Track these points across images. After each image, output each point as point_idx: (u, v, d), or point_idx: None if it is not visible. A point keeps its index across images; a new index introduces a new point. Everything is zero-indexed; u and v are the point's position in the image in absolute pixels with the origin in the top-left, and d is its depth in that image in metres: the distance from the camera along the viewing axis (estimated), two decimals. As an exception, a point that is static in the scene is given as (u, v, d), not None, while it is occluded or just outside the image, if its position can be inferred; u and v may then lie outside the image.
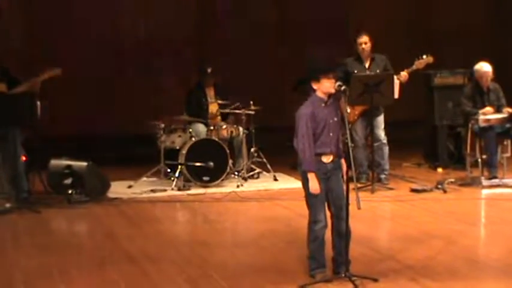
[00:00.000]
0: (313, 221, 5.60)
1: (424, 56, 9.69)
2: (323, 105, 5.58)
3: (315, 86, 5.59)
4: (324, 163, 5.57)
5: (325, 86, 5.56)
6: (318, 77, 5.56)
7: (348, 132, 5.45)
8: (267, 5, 13.60)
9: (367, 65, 9.75)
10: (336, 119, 5.58)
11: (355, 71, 9.53)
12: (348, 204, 5.52)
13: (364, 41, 9.70)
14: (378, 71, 9.65)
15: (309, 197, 5.60)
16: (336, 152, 5.60)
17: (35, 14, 12.57)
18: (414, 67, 9.66)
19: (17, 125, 8.75)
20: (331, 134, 5.56)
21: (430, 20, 14.16)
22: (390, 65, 9.77)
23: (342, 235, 5.60)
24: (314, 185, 5.53)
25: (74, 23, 12.62)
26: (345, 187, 5.56)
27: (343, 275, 5.52)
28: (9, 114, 8.49)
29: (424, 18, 14.16)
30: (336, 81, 5.59)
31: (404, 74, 9.53)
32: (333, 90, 5.55)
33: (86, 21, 12.67)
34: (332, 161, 5.59)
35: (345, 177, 5.65)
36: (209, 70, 10.50)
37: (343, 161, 5.68)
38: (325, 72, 5.56)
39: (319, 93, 5.60)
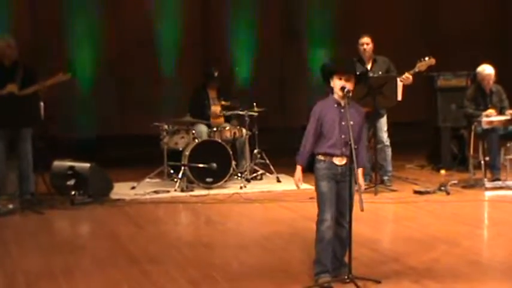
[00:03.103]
0: (320, 220, 5.57)
1: (426, 58, 9.69)
2: (335, 105, 5.56)
3: (331, 84, 5.58)
4: (336, 165, 5.54)
5: (335, 86, 5.54)
6: (332, 76, 5.55)
7: (350, 133, 5.41)
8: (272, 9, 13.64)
9: (369, 67, 9.75)
10: (352, 122, 5.43)
11: (357, 73, 9.50)
12: (351, 206, 5.51)
13: (366, 42, 9.71)
14: (380, 72, 9.65)
15: (318, 195, 5.60)
16: (349, 155, 5.50)
17: (41, 13, 12.58)
18: (416, 69, 9.66)
19: (28, 126, 8.77)
20: (342, 136, 5.51)
21: (435, 24, 14.18)
22: (394, 67, 9.76)
23: (341, 240, 5.60)
24: (297, 176, 5.59)
25: (79, 23, 12.63)
26: (354, 195, 5.50)
27: (345, 277, 5.52)
28: (19, 115, 8.51)
29: (430, 23, 14.17)
30: (352, 82, 5.54)
31: (407, 76, 9.52)
32: (339, 92, 5.52)
33: (91, 21, 12.68)
34: (345, 164, 5.54)
35: (360, 187, 5.59)
36: (216, 74, 10.53)
37: (360, 171, 5.58)
38: (336, 71, 5.55)
39: (335, 94, 5.58)
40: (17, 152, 8.83)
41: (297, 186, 5.66)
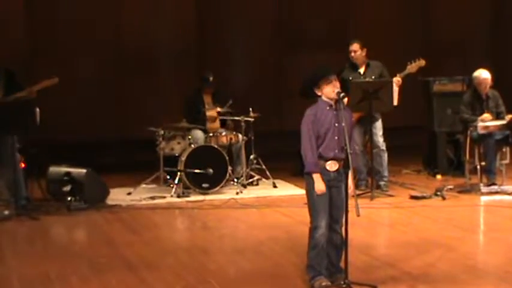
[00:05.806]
0: (313, 227, 5.58)
1: (416, 60, 9.68)
2: (328, 108, 5.57)
3: (318, 92, 5.58)
4: (328, 171, 5.55)
5: (327, 91, 5.55)
6: (318, 84, 5.56)
7: (347, 138, 5.42)
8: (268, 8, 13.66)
9: (362, 71, 9.74)
10: (343, 124, 5.46)
11: (350, 78, 9.50)
12: (347, 211, 5.51)
13: (354, 49, 9.66)
14: (373, 77, 9.63)
15: (311, 202, 5.59)
16: (341, 158, 5.53)
17: (37, 14, 12.56)
18: (407, 71, 9.64)
19: (13, 134, 8.70)
20: (336, 138, 5.52)
21: (430, 29, 14.20)
22: (387, 71, 9.74)
23: (336, 246, 5.62)
24: (319, 185, 5.49)
25: (76, 25, 12.62)
26: (350, 201, 5.50)
27: (342, 282, 5.52)
28: (5, 123, 8.45)
29: (425, 27, 14.19)
30: (339, 84, 5.59)
31: (397, 79, 9.50)
32: (334, 96, 5.53)
33: (88, 24, 12.66)
34: (337, 170, 5.55)
35: (349, 190, 5.57)
36: (211, 79, 10.52)
37: (350, 173, 5.56)
38: (324, 77, 5.56)
39: (324, 98, 5.59)
40: (2, 159, 8.76)
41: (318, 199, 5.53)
